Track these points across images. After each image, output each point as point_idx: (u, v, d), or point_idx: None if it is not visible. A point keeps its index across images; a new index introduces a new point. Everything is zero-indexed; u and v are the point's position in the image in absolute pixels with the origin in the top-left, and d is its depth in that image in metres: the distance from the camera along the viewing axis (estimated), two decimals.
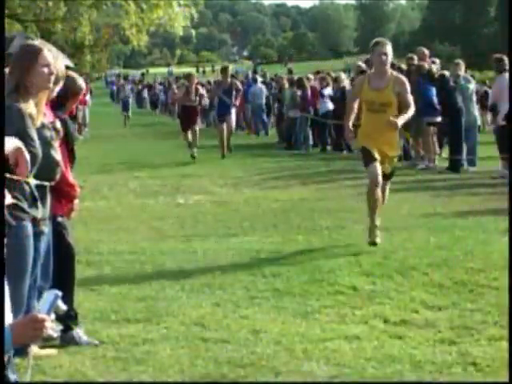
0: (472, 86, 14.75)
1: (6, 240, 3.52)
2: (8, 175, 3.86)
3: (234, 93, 17.32)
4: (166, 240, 8.47)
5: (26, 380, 4.09)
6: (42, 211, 4.30)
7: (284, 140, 21.19)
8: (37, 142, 4.14)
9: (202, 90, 17.81)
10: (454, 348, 4.81)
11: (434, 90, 14.29)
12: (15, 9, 22.00)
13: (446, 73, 14.58)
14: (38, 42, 4.37)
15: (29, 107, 4.16)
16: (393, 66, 17.22)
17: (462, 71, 14.57)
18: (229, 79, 17.71)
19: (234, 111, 18.15)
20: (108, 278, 6.74)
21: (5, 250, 3.47)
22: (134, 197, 11.96)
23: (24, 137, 4.09)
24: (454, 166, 13.87)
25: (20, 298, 4.20)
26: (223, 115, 17.35)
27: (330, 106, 19.15)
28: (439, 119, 14.40)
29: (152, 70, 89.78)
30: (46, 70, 4.21)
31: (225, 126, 17.23)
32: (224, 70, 17.83)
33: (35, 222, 4.26)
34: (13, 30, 19.25)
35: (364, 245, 7.80)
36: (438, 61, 16.01)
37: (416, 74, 14.53)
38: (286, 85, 21.24)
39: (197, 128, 17.03)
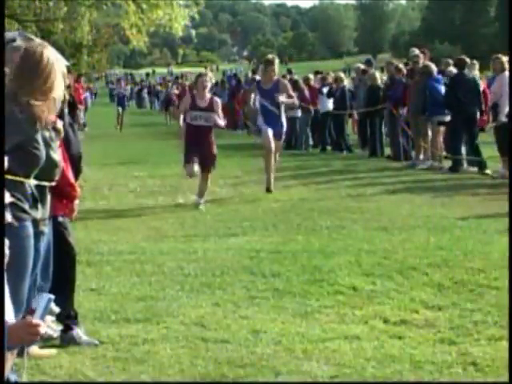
0: (481, 88, 14.77)
1: (7, 240, 3.54)
2: (8, 176, 3.87)
3: (281, 98, 11.55)
4: (165, 240, 8.47)
5: (23, 380, 4.10)
6: (41, 212, 4.30)
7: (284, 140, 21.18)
8: (41, 145, 4.16)
9: (218, 101, 10.96)
10: (453, 348, 4.82)
11: (442, 89, 14.30)
12: (15, 9, 21.99)
13: (453, 70, 14.62)
14: (39, 42, 4.37)
15: None
16: (391, 64, 17.39)
17: (476, 71, 14.56)
18: (275, 77, 11.72)
19: (285, 128, 12.14)
20: (108, 278, 6.74)
21: (7, 251, 3.48)
22: (133, 197, 11.96)
23: (29, 139, 4.10)
24: (454, 165, 13.87)
25: (20, 299, 4.20)
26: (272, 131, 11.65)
27: (330, 105, 19.16)
28: (448, 118, 14.41)
29: (157, 70, 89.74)
30: None
31: (273, 144, 11.66)
32: (268, 64, 11.68)
33: (35, 222, 4.27)
34: (12, 30, 19.26)
35: (364, 245, 7.81)
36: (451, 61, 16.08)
37: (422, 73, 14.56)
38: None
39: (209, 176, 10.91)
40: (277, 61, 11.79)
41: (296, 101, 12.19)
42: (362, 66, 19.01)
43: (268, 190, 11.70)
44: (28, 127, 4.08)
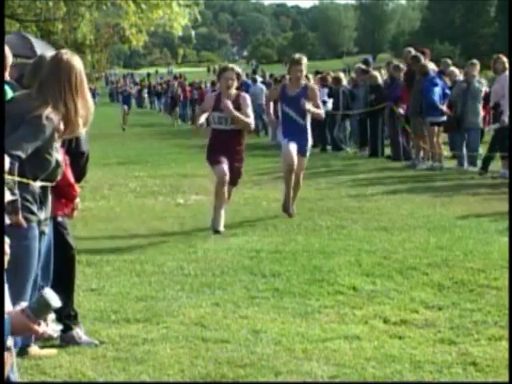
0: (483, 88, 14.81)
1: (13, 241, 3.55)
2: (8, 176, 3.88)
3: (307, 106, 9.34)
4: (166, 240, 8.47)
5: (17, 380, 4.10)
6: (44, 212, 4.33)
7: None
8: (54, 152, 4.20)
9: (246, 97, 8.91)
10: (453, 348, 4.82)
11: (435, 90, 14.31)
12: (15, 9, 21.99)
13: (455, 70, 14.61)
14: (67, 52, 4.41)
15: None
16: (391, 64, 17.41)
17: (477, 72, 14.57)
18: (302, 81, 9.66)
19: (310, 143, 9.83)
20: (108, 278, 6.74)
21: (8, 250, 3.49)
22: (133, 197, 11.96)
23: (46, 146, 4.14)
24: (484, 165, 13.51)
25: (24, 300, 4.21)
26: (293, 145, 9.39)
27: (329, 105, 19.17)
28: (443, 119, 14.42)
29: (160, 71, 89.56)
30: None
31: (295, 160, 9.37)
32: (294, 63, 9.53)
33: (38, 222, 4.29)
34: (12, 30, 19.27)
35: (364, 245, 7.81)
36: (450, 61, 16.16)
37: (419, 74, 14.58)
38: None
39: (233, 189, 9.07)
40: (305, 60, 9.57)
41: (322, 113, 9.76)
42: (363, 67, 19.04)
43: (285, 211, 9.56)
44: (49, 134, 4.12)
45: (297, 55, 9.73)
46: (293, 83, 9.61)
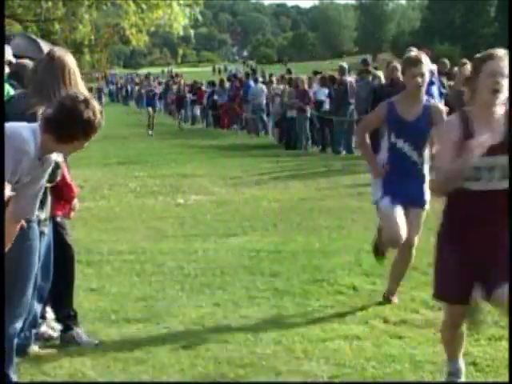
0: None
1: (15, 242, 3.55)
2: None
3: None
4: (165, 240, 8.47)
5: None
6: (44, 212, 4.34)
7: (282, 140, 21.21)
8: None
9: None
10: None
11: (434, 90, 14.35)
12: (15, 9, 21.99)
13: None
14: (59, 49, 4.43)
15: None
16: (388, 64, 17.38)
17: None
18: (424, 96, 5.74)
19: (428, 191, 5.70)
20: (108, 278, 6.75)
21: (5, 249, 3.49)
22: (133, 197, 11.96)
23: None
24: None
25: (26, 299, 4.21)
26: None
27: (327, 105, 19.17)
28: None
29: (164, 70, 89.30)
30: None
31: (403, 235, 5.66)
32: (412, 64, 5.59)
33: (38, 223, 4.30)
34: (12, 30, 19.27)
35: (364, 245, 7.80)
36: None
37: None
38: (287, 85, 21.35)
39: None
40: (425, 58, 5.76)
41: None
42: (345, 65, 19.21)
43: (387, 298, 5.96)
44: None
45: (413, 54, 5.97)
46: (410, 98, 5.74)
